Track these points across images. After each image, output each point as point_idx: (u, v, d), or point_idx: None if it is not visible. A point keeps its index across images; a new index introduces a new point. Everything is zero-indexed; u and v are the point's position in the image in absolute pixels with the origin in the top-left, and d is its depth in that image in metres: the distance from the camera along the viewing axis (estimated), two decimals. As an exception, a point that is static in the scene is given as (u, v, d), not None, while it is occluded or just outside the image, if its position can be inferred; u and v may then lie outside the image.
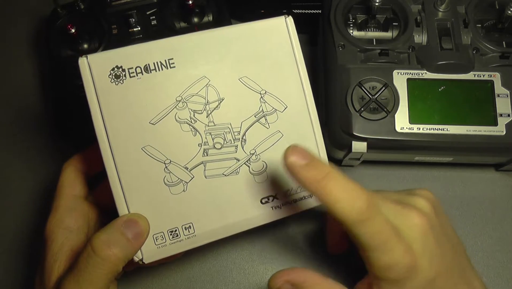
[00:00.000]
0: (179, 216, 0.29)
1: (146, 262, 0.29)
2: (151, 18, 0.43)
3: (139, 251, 0.29)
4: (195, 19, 0.43)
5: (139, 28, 0.42)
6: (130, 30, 0.42)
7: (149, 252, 0.29)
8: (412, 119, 0.37)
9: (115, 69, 0.29)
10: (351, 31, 0.41)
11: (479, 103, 0.37)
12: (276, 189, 0.31)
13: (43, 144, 0.45)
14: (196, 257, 0.40)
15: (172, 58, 0.30)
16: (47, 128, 0.45)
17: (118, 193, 0.29)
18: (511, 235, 0.41)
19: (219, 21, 0.43)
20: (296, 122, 0.31)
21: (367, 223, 0.26)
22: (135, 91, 0.29)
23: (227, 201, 0.30)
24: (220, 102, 0.30)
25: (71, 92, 0.41)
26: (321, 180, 0.26)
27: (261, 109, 0.31)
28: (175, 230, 0.29)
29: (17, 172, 0.44)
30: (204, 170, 0.30)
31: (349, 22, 0.41)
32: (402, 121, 0.37)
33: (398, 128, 0.37)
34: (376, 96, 0.37)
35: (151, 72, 0.29)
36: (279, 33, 0.31)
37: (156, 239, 0.29)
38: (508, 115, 0.37)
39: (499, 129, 0.37)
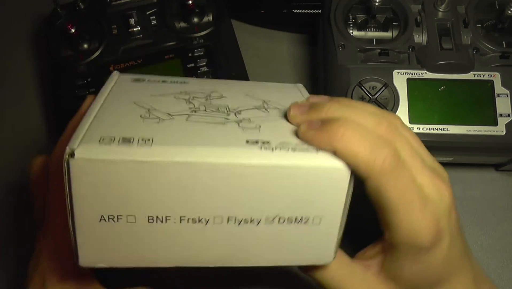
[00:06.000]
0: (140, 132, 0.23)
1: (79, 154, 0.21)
2: (151, 18, 0.43)
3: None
4: (195, 19, 0.43)
5: (139, 28, 0.43)
6: (130, 30, 0.42)
7: (88, 148, 0.21)
8: (412, 119, 0.37)
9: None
10: (351, 31, 0.41)
11: (479, 103, 0.37)
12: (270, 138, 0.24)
13: (43, 144, 0.45)
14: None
15: None
16: (47, 129, 0.45)
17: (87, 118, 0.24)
18: (511, 235, 0.41)
19: (219, 21, 0.43)
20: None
21: (393, 177, 0.23)
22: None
23: (204, 137, 0.23)
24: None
25: (70, 92, 0.41)
26: (336, 131, 0.22)
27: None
28: (131, 139, 0.22)
29: (17, 172, 0.44)
30: (187, 118, 0.25)
31: (349, 22, 0.41)
32: (402, 121, 0.37)
33: (398, 128, 0.37)
34: (376, 96, 0.37)
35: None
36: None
37: (103, 140, 0.22)
38: (508, 115, 0.37)
39: (499, 129, 0.37)
